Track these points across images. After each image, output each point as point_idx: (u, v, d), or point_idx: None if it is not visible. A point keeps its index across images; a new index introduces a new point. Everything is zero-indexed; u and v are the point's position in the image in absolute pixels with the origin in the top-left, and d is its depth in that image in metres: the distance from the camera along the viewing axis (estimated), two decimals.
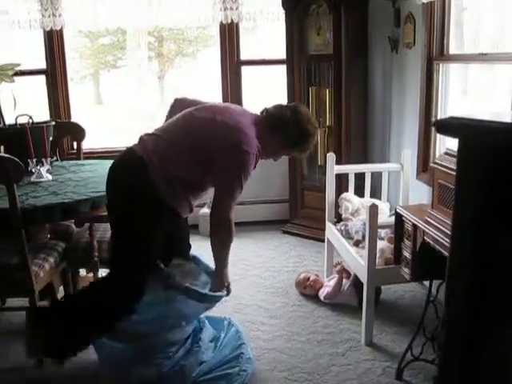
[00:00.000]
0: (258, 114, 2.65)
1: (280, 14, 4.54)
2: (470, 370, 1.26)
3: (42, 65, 4.73)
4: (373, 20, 4.37)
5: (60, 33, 4.62)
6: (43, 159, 3.14)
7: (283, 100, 4.34)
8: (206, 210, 4.51)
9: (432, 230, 2.29)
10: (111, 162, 2.53)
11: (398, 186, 3.71)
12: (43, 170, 3.13)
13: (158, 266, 2.47)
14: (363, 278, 2.94)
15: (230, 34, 4.82)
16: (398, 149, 4.00)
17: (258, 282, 3.80)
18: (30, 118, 3.39)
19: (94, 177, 3.15)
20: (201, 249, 2.91)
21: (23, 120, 3.38)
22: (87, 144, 4.16)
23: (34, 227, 3.01)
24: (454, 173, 1.31)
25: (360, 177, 3.70)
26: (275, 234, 4.74)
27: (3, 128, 3.45)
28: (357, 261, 3.04)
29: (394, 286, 3.48)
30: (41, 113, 4.34)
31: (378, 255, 2.94)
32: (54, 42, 4.65)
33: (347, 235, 3.42)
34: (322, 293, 3.44)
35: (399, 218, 2.63)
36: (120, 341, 2.56)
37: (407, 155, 3.58)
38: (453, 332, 1.29)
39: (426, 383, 2.61)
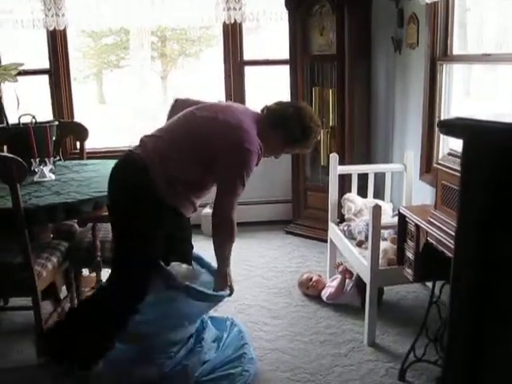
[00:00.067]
0: (259, 111, 2.65)
1: (283, 14, 4.54)
2: (474, 371, 1.26)
3: (46, 64, 4.73)
4: (376, 20, 4.37)
5: (63, 32, 4.62)
6: (46, 159, 3.14)
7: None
8: (208, 210, 4.50)
9: (435, 230, 2.28)
10: (114, 161, 2.53)
11: (401, 187, 3.70)
12: (46, 169, 3.13)
13: (160, 265, 2.47)
14: (366, 279, 2.94)
15: (233, 34, 4.82)
16: (402, 149, 3.99)
17: (260, 283, 3.80)
18: (33, 117, 3.39)
19: (96, 177, 3.16)
20: (203, 249, 2.91)
21: (26, 120, 3.38)
22: (90, 144, 4.16)
23: (37, 227, 3.01)
24: (458, 173, 1.31)
25: (363, 177, 3.69)
26: (278, 235, 4.74)
27: (6, 128, 3.44)
28: (360, 261, 3.04)
29: (396, 286, 3.47)
30: (44, 112, 4.35)
31: (380, 256, 2.94)
32: (57, 42, 4.66)
33: (350, 236, 3.42)
34: (325, 293, 3.43)
35: (402, 218, 2.62)
36: (121, 341, 2.56)
37: (410, 156, 3.58)
38: (457, 333, 1.29)
39: None
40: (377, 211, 2.78)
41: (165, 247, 2.50)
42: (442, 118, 3.49)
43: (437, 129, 3.50)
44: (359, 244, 3.30)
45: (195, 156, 2.43)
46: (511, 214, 1.15)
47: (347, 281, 3.39)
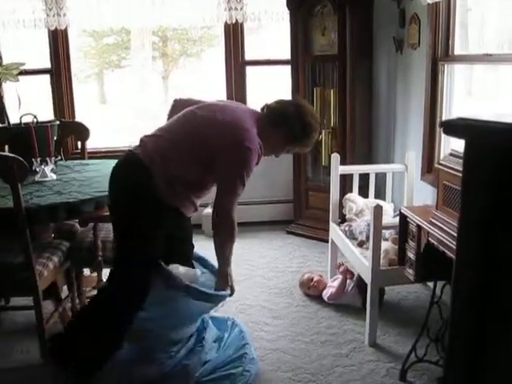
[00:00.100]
0: (259, 110, 2.65)
1: (285, 15, 4.54)
2: (476, 371, 1.26)
3: (47, 64, 4.74)
4: (378, 20, 4.37)
5: (65, 32, 4.63)
6: (47, 158, 3.14)
7: None
8: (209, 210, 4.49)
9: (436, 230, 2.28)
10: (115, 161, 2.53)
11: (403, 187, 3.70)
12: (47, 169, 3.13)
13: (160, 265, 2.47)
14: (367, 279, 2.94)
15: (234, 34, 4.83)
16: (403, 149, 3.99)
17: (261, 283, 3.80)
18: (35, 117, 3.39)
19: (98, 176, 3.16)
20: (204, 248, 2.91)
21: (28, 119, 3.38)
22: (91, 143, 4.16)
23: (39, 226, 3.01)
24: (459, 174, 1.31)
25: (364, 177, 3.70)
26: (279, 235, 4.74)
27: (8, 127, 3.45)
28: (361, 261, 3.04)
29: (397, 286, 3.47)
30: (45, 112, 4.35)
31: (382, 256, 2.93)
32: (58, 42, 4.66)
33: (351, 236, 3.42)
34: (326, 293, 3.43)
35: (403, 218, 2.62)
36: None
37: (412, 156, 3.58)
38: (458, 333, 1.28)
39: None
40: (378, 211, 2.78)
41: (165, 247, 2.50)
42: (443, 119, 3.49)
43: (438, 129, 3.50)
44: (360, 244, 3.30)
45: (195, 156, 2.43)
46: None
47: (348, 281, 3.39)
